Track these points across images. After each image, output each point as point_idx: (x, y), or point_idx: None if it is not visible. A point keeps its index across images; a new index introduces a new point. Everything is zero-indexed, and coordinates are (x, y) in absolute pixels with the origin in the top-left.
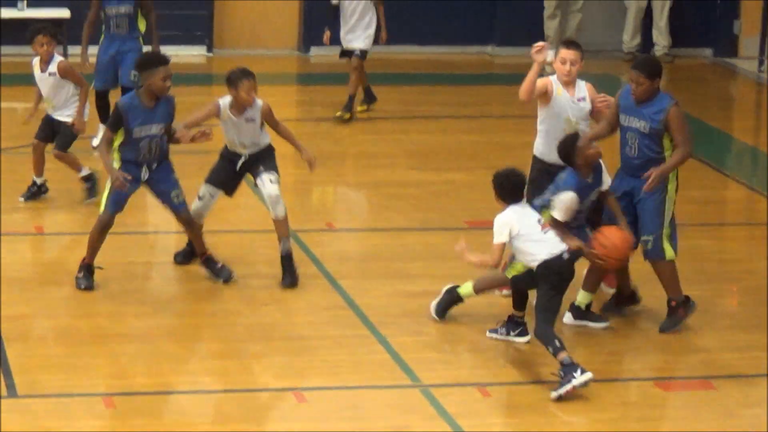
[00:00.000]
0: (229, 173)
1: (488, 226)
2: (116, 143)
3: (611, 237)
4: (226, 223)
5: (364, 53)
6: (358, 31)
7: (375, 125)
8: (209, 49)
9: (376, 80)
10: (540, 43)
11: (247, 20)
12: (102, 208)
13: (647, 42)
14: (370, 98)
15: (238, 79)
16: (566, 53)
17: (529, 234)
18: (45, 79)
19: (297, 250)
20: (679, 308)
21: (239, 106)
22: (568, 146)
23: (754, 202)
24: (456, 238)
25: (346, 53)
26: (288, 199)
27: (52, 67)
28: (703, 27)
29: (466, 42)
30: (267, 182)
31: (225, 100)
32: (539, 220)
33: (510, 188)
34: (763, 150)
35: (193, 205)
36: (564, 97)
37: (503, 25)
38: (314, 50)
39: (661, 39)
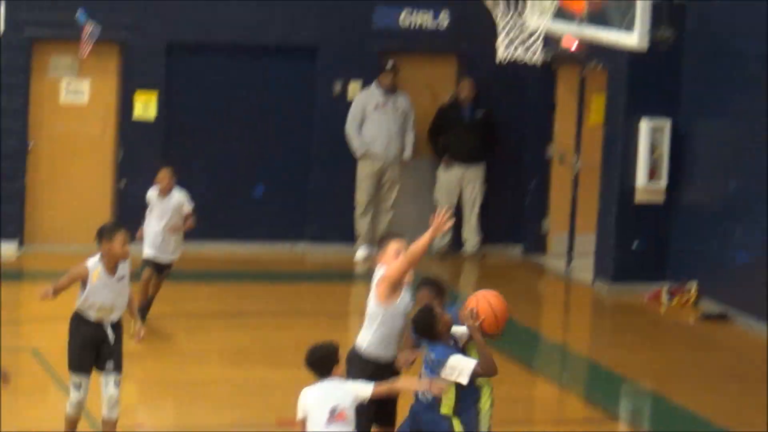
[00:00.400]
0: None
1: None
2: None
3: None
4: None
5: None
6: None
7: (188, 322)
8: (20, 244)
9: (189, 277)
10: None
11: (58, 217)
12: None
13: (457, 239)
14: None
15: (112, 231)
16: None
17: (314, 421)
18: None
19: None
20: None
21: (113, 263)
22: (428, 318)
23: (562, 400)
24: None
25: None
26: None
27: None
28: (513, 225)
29: (278, 239)
30: (112, 384)
31: (93, 260)
32: (333, 410)
33: (317, 361)
34: (571, 347)
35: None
36: (407, 296)
37: (315, 222)
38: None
39: (471, 236)
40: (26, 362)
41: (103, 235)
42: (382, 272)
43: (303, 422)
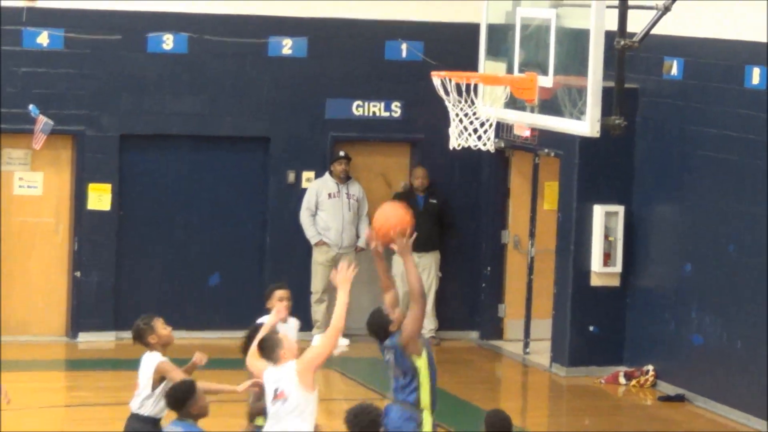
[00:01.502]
0: None
1: None
2: None
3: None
4: None
5: None
6: None
7: None
8: None
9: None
10: None
11: (15, 307)
12: None
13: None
14: None
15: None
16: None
17: None
18: None
19: None
20: None
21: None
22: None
23: None
24: None
25: None
26: None
27: None
28: (469, 310)
29: (235, 327)
30: None
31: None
32: None
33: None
34: (530, 431)
35: None
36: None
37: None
38: (82, 336)
39: (427, 323)
40: None
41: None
42: (302, 362)
43: None
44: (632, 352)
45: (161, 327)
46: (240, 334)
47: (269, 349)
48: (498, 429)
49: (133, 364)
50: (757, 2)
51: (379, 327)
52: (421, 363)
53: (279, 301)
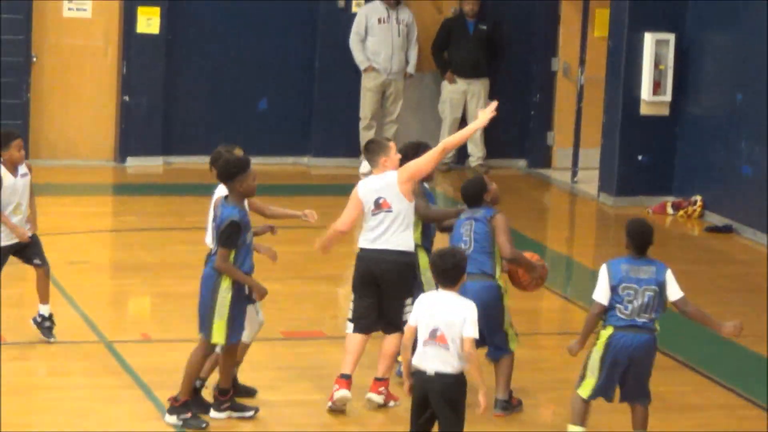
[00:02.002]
0: None
1: (304, 337)
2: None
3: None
4: None
5: None
6: None
7: (191, 235)
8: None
9: (185, 190)
10: None
11: (63, 131)
12: (222, 338)
13: (462, 153)
14: None
15: (8, 138)
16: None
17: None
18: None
19: (113, 361)
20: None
21: (13, 165)
22: (479, 186)
23: (567, 312)
24: (272, 347)
25: None
26: (104, 309)
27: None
28: (517, 138)
29: (283, 153)
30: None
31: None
32: (434, 331)
33: (439, 271)
34: (576, 259)
35: None
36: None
37: (319, 137)
38: (130, 161)
39: (475, 150)
40: None
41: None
42: (405, 171)
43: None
44: (681, 182)
45: (15, 148)
46: (289, 160)
47: (373, 152)
48: (638, 234)
49: (180, 189)
50: None
51: (477, 194)
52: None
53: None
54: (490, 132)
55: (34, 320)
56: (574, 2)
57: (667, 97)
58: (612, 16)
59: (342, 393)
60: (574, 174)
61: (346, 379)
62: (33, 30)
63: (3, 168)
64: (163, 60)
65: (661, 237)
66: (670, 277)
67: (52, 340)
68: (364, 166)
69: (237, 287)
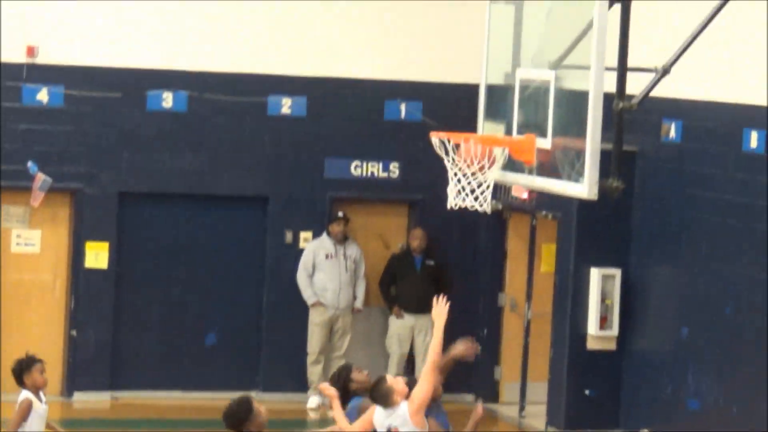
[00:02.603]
0: None
1: None
2: None
3: None
4: None
5: None
6: None
7: None
8: None
9: (132, 425)
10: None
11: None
12: None
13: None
14: None
15: (29, 364)
16: None
17: None
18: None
19: None
20: None
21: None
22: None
23: None
24: None
25: None
26: None
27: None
28: (465, 373)
29: (232, 387)
30: None
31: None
32: None
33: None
34: None
35: None
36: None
37: (268, 371)
38: (77, 395)
39: None
40: None
41: (24, 369)
42: (412, 404)
43: None
44: (628, 415)
45: (38, 372)
46: (237, 395)
47: (384, 398)
48: None
49: (127, 425)
50: (756, 65)
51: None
52: None
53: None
54: None
55: None
56: (520, 238)
57: (614, 331)
58: (558, 251)
59: None
60: (522, 408)
61: None
62: None
63: (30, 394)
64: (112, 294)
65: None
66: None
67: None
68: (312, 401)
69: None
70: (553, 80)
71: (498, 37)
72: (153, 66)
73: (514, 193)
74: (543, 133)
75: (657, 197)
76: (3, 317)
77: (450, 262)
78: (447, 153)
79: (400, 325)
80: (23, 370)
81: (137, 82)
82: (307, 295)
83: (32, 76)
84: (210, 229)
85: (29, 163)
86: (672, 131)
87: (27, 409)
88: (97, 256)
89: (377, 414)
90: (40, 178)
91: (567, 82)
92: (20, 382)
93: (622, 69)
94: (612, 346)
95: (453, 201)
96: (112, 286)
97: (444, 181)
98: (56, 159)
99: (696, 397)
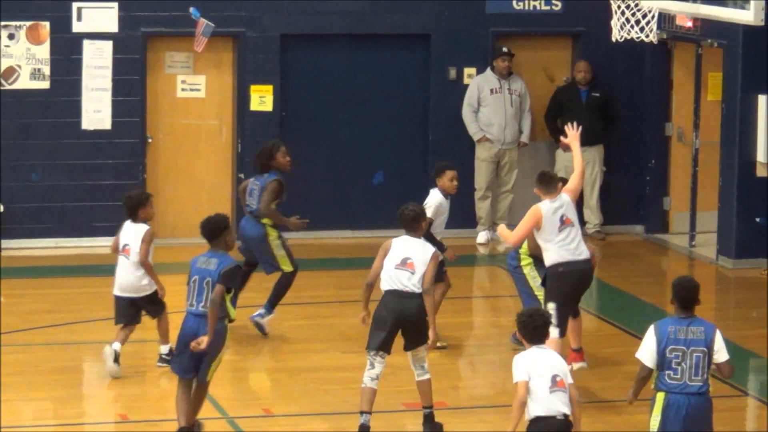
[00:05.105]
0: None
1: None
2: None
3: None
4: None
5: None
6: None
7: (307, 310)
8: None
9: (309, 265)
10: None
11: (180, 210)
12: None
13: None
14: None
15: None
16: None
17: (534, 389)
18: None
19: None
20: None
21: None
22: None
23: None
24: (395, 418)
25: None
26: (224, 386)
27: None
28: (634, 204)
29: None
30: None
31: None
32: (554, 377)
33: (531, 329)
34: None
35: None
36: (546, 206)
37: None
38: None
39: (592, 217)
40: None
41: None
42: (572, 193)
43: (524, 384)
44: None
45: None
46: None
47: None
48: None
49: (301, 264)
50: None
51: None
52: None
53: (449, 181)
54: (606, 199)
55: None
56: (686, 67)
57: None
58: (725, 79)
59: (580, 365)
60: (692, 238)
61: (578, 352)
62: (147, 111)
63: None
64: (277, 137)
65: None
66: (718, 337)
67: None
68: (481, 236)
69: None
70: None
71: None
72: None
73: (679, 22)
74: None
75: None
76: (172, 163)
77: (615, 93)
78: None
79: (567, 158)
80: (139, 204)
81: None
82: (473, 130)
83: None
84: (373, 68)
85: (191, 9)
86: None
87: (152, 240)
88: (262, 99)
89: (544, 205)
90: (203, 23)
91: None
92: (133, 215)
93: None
94: None
95: (618, 33)
96: (278, 128)
97: (607, 12)
98: (218, 4)
99: None
